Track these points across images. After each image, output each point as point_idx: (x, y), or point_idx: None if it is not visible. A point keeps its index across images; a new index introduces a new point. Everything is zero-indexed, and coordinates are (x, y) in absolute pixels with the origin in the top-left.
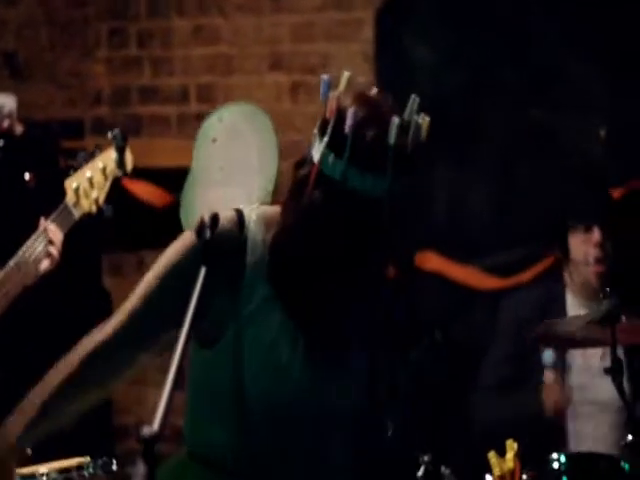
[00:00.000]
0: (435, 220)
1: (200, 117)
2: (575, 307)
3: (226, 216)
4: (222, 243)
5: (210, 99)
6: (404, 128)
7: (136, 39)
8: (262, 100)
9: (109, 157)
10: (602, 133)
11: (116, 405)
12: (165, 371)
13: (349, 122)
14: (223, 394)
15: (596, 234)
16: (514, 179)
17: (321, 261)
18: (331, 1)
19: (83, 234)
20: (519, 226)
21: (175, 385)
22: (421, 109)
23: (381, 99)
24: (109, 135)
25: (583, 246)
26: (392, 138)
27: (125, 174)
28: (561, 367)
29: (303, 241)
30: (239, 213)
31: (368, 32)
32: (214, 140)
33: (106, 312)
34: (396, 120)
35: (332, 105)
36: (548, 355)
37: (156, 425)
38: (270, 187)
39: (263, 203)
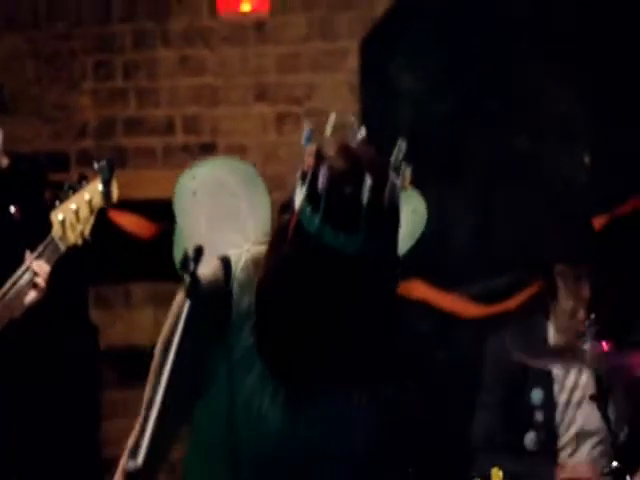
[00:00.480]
0: (420, 248)
1: (186, 148)
2: (557, 340)
3: (212, 266)
4: (207, 294)
5: (196, 130)
6: (381, 185)
7: (122, 71)
8: (247, 131)
9: (95, 189)
10: (586, 160)
11: (105, 438)
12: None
13: (321, 180)
14: (216, 445)
15: (586, 290)
16: (498, 207)
17: (300, 309)
18: (316, 31)
19: (70, 267)
20: (503, 254)
21: (161, 417)
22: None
23: (363, 151)
24: (95, 166)
25: (572, 301)
26: (365, 198)
27: (110, 206)
28: (551, 405)
29: (283, 288)
30: (225, 262)
31: (353, 62)
32: (194, 193)
33: (93, 344)
34: (369, 180)
35: (309, 160)
36: (537, 394)
37: (140, 459)
38: (267, 227)
39: (262, 242)
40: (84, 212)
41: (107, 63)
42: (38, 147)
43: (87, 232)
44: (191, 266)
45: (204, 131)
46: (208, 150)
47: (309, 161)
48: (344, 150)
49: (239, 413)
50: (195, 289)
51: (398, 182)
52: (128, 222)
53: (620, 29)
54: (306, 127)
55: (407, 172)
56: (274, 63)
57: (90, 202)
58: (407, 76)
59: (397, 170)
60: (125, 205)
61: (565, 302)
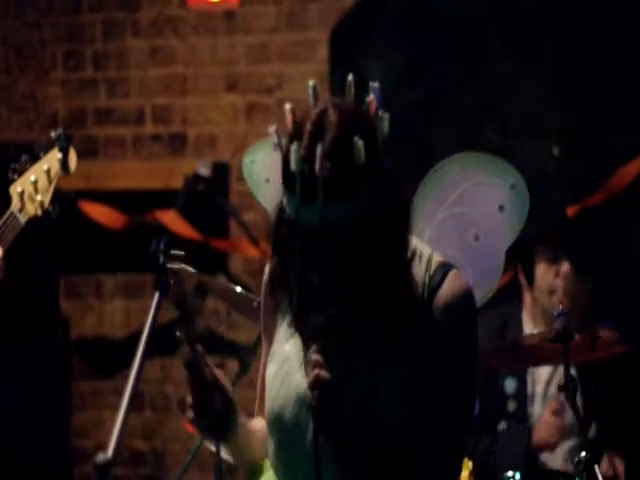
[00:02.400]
0: None
1: (156, 138)
2: (531, 330)
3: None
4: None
5: (166, 120)
6: (330, 151)
7: (92, 60)
8: (218, 121)
9: (53, 158)
10: (555, 151)
11: (74, 429)
12: (120, 395)
13: (274, 145)
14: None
15: (565, 266)
16: None
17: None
18: (286, 22)
19: (40, 256)
20: None
21: (129, 408)
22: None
23: (328, 111)
24: (52, 135)
25: (550, 277)
26: (293, 164)
27: (68, 173)
28: (524, 396)
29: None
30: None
31: (323, 52)
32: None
33: (63, 336)
34: (294, 146)
35: (289, 118)
36: (510, 384)
37: (110, 451)
38: None
39: None
40: (43, 182)
41: (77, 53)
42: (8, 137)
43: (47, 202)
44: (160, 259)
45: (174, 121)
46: (178, 140)
47: (289, 120)
48: (306, 114)
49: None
50: (163, 281)
51: (360, 143)
52: (98, 213)
53: (587, 23)
54: (272, 133)
55: (385, 118)
56: (244, 53)
57: (48, 172)
58: (376, 67)
59: (375, 118)
60: (95, 196)
61: (543, 280)
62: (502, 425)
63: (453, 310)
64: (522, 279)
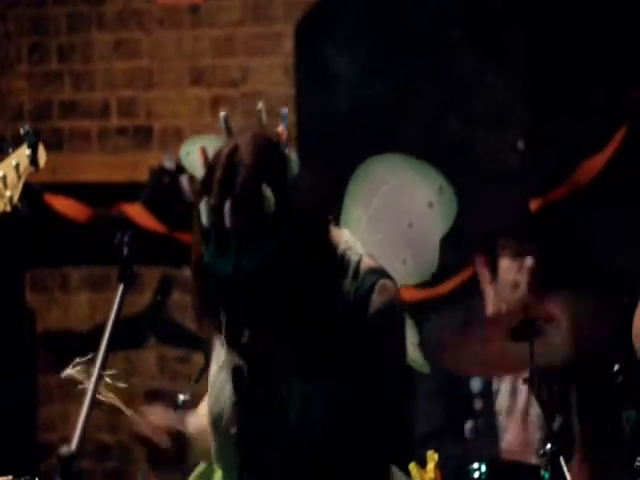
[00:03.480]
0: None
1: (122, 131)
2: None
3: None
4: None
5: (131, 113)
6: (239, 204)
7: (57, 54)
8: (183, 114)
9: (22, 154)
10: (520, 144)
11: (40, 422)
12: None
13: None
14: None
15: (529, 261)
16: None
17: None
18: (251, 15)
19: (5, 249)
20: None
21: (94, 402)
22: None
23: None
24: (21, 131)
25: (514, 271)
26: (205, 219)
27: (37, 169)
28: (489, 394)
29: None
30: None
31: (288, 45)
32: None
33: (29, 329)
34: (204, 202)
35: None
36: (475, 383)
37: (74, 444)
38: None
39: None
40: (12, 178)
41: (42, 46)
42: None
43: (16, 198)
44: (124, 251)
45: (139, 114)
46: (143, 133)
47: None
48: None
49: None
50: (128, 274)
51: (269, 192)
52: (64, 206)
53: (552, 17)
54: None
55: (293, 158)
56: (209, 46)
57: (17, 167)
58: (342, 60)
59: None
60: (61, 188)
61: (507, 274)
62: (469, 424)
63: (378, 325)
64: (485, 272)
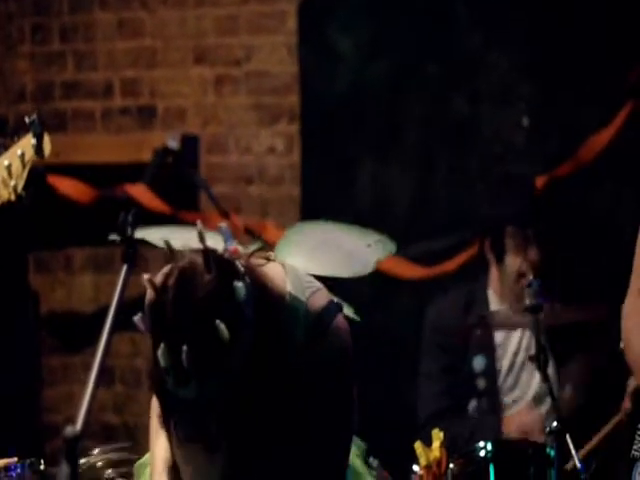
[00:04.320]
0: (359, 210)
1: (125, 111)
2: (497, 306)
3: None
4: None
5: (135, 93)
6: (195, 345)
7: (59, 34)
8: (186, 93)
9: (27, 143)
10: (525, 122)
11: (44, 403)
12: (91, 369)
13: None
14: None
15: (534, 253)
16: (437, 169)
17: None
18: None
19: (8, 231)
20: (443, 215)
21: (98, 383)
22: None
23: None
24: (26, 120)
25: (519, 262)
26: (162, 362)
27: (42, 158)
28: (493, 372)
29: None
30: None
31: (291, 24)
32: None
33: (32, 310)
34: (160, 350)
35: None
36: (479, 361)
37: (79, 425)
38: None
39: None
40: (16, 167)
41: (44, 26)
42: None
43: (20, 187)
44: (128, 230)
45: (143, 94)
46: (147, 113)
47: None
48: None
49: None
50: (131, 254)
51: (222, 326)
52: (67, 187)
53: None
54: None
55: (239, 287)
56: (212, 25)
57: (22, 156)
58: (345, 38)
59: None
60: (64, 169)
61: (513, 263)
62: (473, 403)
63: (336, 369)
64: (490, 256)
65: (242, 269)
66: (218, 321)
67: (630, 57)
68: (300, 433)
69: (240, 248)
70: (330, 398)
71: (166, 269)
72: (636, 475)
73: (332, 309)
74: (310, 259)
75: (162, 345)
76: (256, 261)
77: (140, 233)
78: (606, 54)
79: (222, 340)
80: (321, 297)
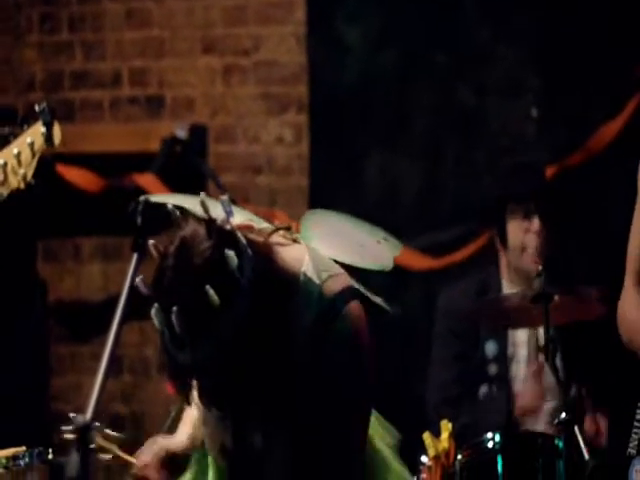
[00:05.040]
0: (366, 201)
1: (133, 101)
2: (509, 291)
3: None
4: None
5: (143, 83)
6: (185, 311)
7: (67, 24)
8: (195, 83)
9: (37, 132)
10: (534, 112)
11: (53, 393)
12: (99, 359)
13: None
14: None
15: (536, 223)
16: (445, 159)
17: None
18: None
19: (17, 219)
20: (452, 206)
21: (108, 373)
22: None
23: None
24: (36, 109)
25: (521, 234)
26: (157, 323)
27: (52, 147)
28: (504, 359)
29: None
30: None
31: (300, 14)
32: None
33: (41, 299)
34: (154, 309)
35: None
36: (490, 347)
37: (89, 414)
38: None
39: None
40: (26, 155)
41: (53, 16)
42: None
43: (29, 176)
44: (138, 219)
45: (151, 84)
46: (155, 103)
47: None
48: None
49: None
50: (141, 243)
51: (212, 292)
52: (76, 176)
53: None
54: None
55: (230, 256)
56: (220, 15)
57: (32, 145)
58: (354, 28)
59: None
60: (73, 159)
61: (515, 238)
62: (483, 389)
63: (344, 355)
64: (497, 242)
65: (244, 241)
66: (208, 286)
67: (638, 48)
68: (306, 411)
69: (254, 224)
70: (337, 381)
71: (171, 236)
72: (633, 472)
73: (346, 295)
74: (328, 245)
75: (156, 306)
76: (277, 240)
77: (154, 198)
78: (614, 45)
79: (211, 305)
80: (338, 282)
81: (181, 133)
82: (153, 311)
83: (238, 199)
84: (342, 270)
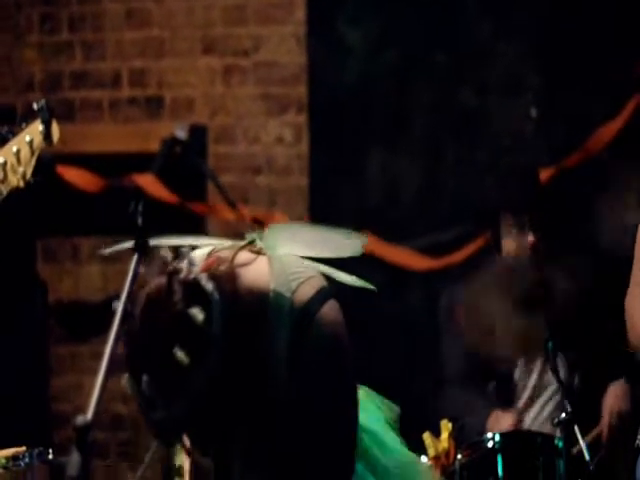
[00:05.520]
0: (368, 202)
1: (133, 101)
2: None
3: None
4: None
5: (143, 83)
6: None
7: (67, 24)
8: (194, 83)
9: (36, 130)
10: (533, 112)
11: (53, 393)
12: (99, 359)
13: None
14: None
15: (530, 238)
16: (445, 159)
17: None
18: None
19: (16, 219)
20: (451, 207)
21: (109, 373)
22: None
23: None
24: (35, 107)
25: (515, 246)
26: (129, 391)
27: (51, 144)
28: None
29: None
30: None
31: (300, 14)
32: None
33: (40, 299)
34: (126, 379)
35: None
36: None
37: (90, 414)
38: None
39: None
40: (25, 153)
41: (53, 16)
42: None
43: (29, 174)
44: (139, 220)
45: (151, 84)
46: (155, 103)
47: None
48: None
49: None
50: (141, 243)
51: (179, 353)
52: (75, 176)
53: None
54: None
55: (196, 313)
56: (220, 15)
57: (31, 143)
58: (354, 28)
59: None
60: (72, 159)
61: (508, 247)
62: (492, 385)
63: (323, 360)
64: (493, 249)
65: (210, 287)
66: (176, 348)
67: (638, 48)
68: (297, 430)
69: (219, 254)
70: (320, 388)
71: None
72: None
73: (318, 298)
74: (295, 246)
75: (127, 376)
76: (242, 259)
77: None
78: (614, 45)
79: (182, 365)
80: (308, 288)
81: (181, 133)
82: (123, 380)
83: (238, 199)
84: (313, 272)
